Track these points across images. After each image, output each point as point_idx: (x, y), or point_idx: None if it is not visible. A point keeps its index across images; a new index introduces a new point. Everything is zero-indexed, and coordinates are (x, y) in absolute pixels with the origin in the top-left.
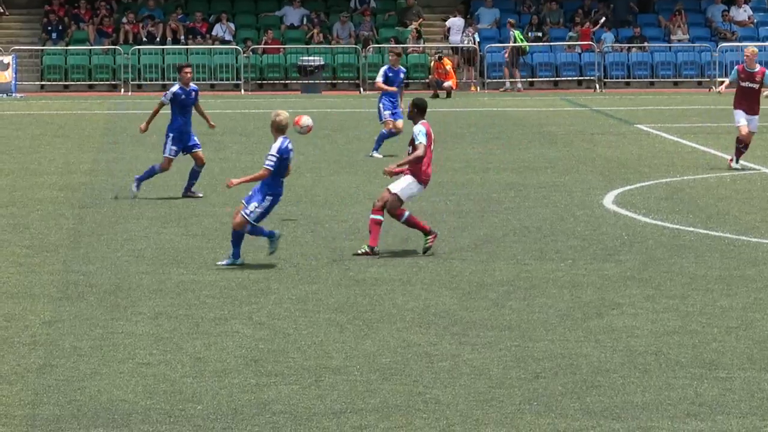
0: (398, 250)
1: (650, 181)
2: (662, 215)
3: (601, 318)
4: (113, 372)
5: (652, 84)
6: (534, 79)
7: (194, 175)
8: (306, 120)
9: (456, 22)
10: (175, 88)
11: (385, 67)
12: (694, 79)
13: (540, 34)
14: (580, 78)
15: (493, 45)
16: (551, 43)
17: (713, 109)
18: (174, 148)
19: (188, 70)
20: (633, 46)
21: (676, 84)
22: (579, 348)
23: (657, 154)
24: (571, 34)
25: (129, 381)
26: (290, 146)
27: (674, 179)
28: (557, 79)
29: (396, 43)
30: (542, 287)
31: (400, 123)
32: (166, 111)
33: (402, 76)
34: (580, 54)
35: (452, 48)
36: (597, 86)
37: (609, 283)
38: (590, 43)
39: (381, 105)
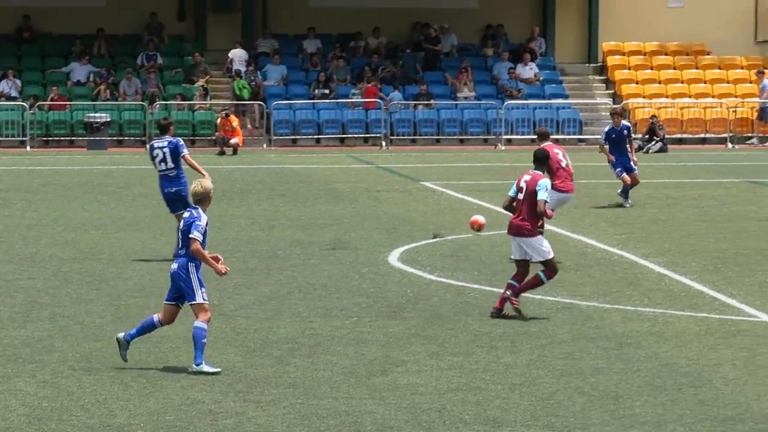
0: (184, 308)
1: (435, 238)
2: (447, 272)
3: (385, 375)
4: None
5: (438, 141)
6: (321, 136)
7: None
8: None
9: (238, 53)
10: None
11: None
12: (480, 137)
13: (327, 91)
14: (366, 135)
15: (280, 102)
16: (338, 100)
17: (499, 166)
18: None
19: None
20: (419, 104)
21: (462, 141)
22: (363, 405)
23: (442, 211)
24: (354, 91)
25: None
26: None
27: (459, 236)
28: (344, 136)
29: (182, 100)
30: (327, 344)
31: None
32: None
33: None
34: (366, 111)
35: (236, 105)
36: (383, 143)
37: (394, 340)
38: (377, 100)
39: None
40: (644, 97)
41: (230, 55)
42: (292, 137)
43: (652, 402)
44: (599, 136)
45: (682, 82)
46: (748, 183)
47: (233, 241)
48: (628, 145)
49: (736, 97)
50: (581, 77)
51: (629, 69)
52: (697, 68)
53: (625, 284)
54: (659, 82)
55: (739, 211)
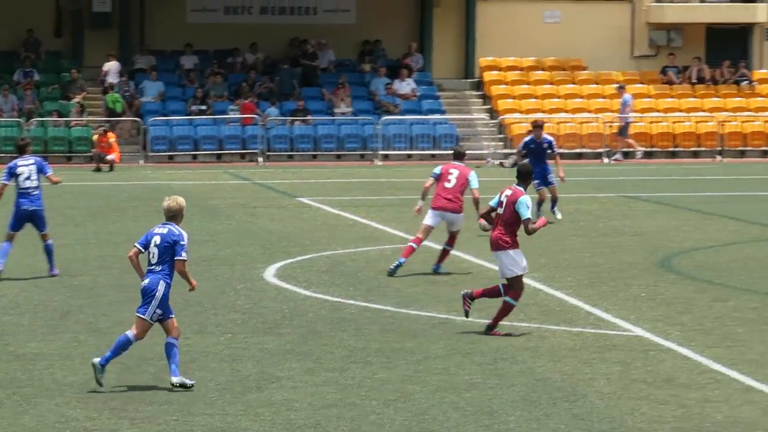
0: (58, 325)
1: (311, 254)
2: (323, 288)
3: (260, 391)
4: None
5: (315, 157)
6: (198, 153)
7: None
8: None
9: (112, 66)
10: None
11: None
12: (357, 152)
13: (204, 107)
14: (243, 151)
15: (157, 118)
16: (215, 116)
17: (375, 182)
18: None
19: None
20: (297, 119)
21: (338, 157)
22: (238, 422)
23: (318, 227)
24: (232, 107)
25: None
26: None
27: (335, 252)
28: (221, 152)
29: (59, 116)
30: (202, 361)
31: None
32: None
33: None
34: (243, 127)
35: (111, 121)
36: (260, 159)
37: (269, 356)
38: (254, 116)
39: None
40: (521, 112)
41: (104, 68)
42: (169, 153)
43: (526, 417)
44: (477, 152)
45: (559, 97)
46: (624, 197)
47: (109, 258)
48: (553, 159)
49: (612, 111)
50: (458, 93)
51: (506, 84)
52: (573, 83)
53: (501, 300)
54: (536, 98)
55: (614, 226)
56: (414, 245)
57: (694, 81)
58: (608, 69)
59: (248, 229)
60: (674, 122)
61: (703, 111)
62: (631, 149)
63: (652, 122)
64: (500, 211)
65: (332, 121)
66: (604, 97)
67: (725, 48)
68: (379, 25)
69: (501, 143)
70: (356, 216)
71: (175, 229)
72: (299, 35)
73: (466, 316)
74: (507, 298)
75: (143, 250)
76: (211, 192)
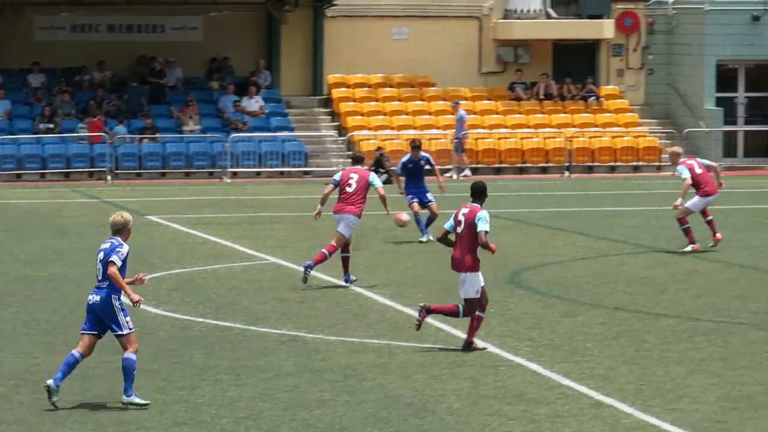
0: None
1: (161, 272)
2: (173, 306)
3: (110, 410)
4: None
5: (164, 175)
6: (46, 171)
7: None
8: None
9: None
10: None
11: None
12: (206, 170)
13: (52, 125)
14: (91, 169)
15: (4, 137)
16: (63, 135)
17: (224, 200)
18: None
19: None
20: (145, 137)
21: (187, 174)
22: None
23: (168, 245)
24: (81, 125)
25: None
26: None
27: (185, 270)
28: (69, 170)
29: None
30: None
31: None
32: None
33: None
34: (91, 145)
35: None
36: (108, 177)
37: (119, 375)
38: (102, 134)
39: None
40: (369, 129)
41: None
42: (17, 172)
43: None
44: (326, 168)
45: (408, 114)
46: None
47: None
48: (434, 175)
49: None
50: (307, 110)
51: (354, 101)
52: (422, 100)
53: (351, 316)
54: (385, 114)
55: None
56: (326, 252)
57: (542, 97)
58: (456, 85)
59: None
60: (522, 138)
61: (551, 127)
62: (463, 166)
63: (500, 138)
64: (459, 230)
65: (181, 139)
66: (452, 113)
67: (572, 64)
68: (226, 42)
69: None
70: (206, 234)
71: (117, 241)
72: (147, 53)
73: (418, 328)
74: (478, 312)
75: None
76: (60, 211)
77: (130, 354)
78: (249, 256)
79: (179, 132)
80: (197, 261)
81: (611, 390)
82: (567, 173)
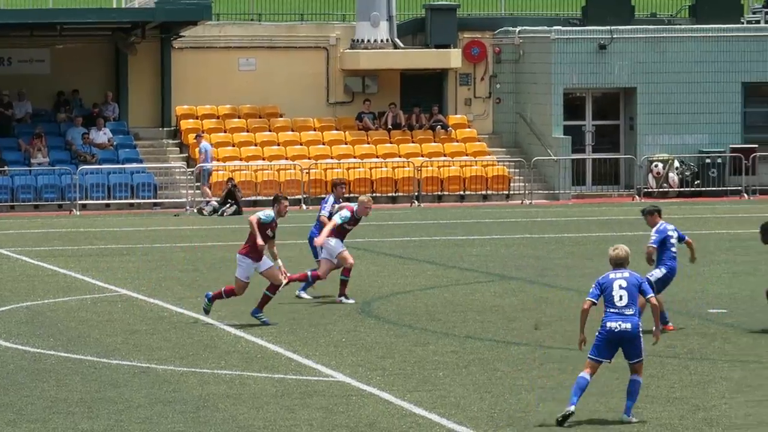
0: None
1: (11, 305)
2: (23, 339)
3: None
4: None
5: (12, 208)
6: None
7: None
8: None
9: None
10: None
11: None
12: (55, 202)
13: None
14: None
15: None
16: None
17: (74, 232)
18: None
19: None
20: None
21: (36, 207)
22: None
23: (17, 277)
24: None
25: None
26: None
27: (35, 303)
28: None
29: None
30: None
31: None
32: None
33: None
34: None
35: None
36: None
37: None
38: None
39: None
40: (219, 160)
41: None
42: None
43: None
44: (174, 200)
45: (256, 145)
46: None
47: None
48: None
49: (309, 158)
50: (155, 141)
51: (203, 133)
52: (270, 130)
53: (202, 347)
54: (233, 145)
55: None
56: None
57: (390, 127)
58: (305, 116)
59: None
60: (371, 168)
61: (400, 156)
62: (207, 198)
63: (349, 168)
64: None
65: (29, 172)
66: (301, 143)
67: (421, 94)
68: (74, 74)
69: (198, 191)
70: (56, 266)
71: None
72: None
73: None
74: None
75: None
76: None
77: None
78: (99, 288)
79: (27, 165)
80: (47, 293)
81: (463, 418)
82: (416, 202)
